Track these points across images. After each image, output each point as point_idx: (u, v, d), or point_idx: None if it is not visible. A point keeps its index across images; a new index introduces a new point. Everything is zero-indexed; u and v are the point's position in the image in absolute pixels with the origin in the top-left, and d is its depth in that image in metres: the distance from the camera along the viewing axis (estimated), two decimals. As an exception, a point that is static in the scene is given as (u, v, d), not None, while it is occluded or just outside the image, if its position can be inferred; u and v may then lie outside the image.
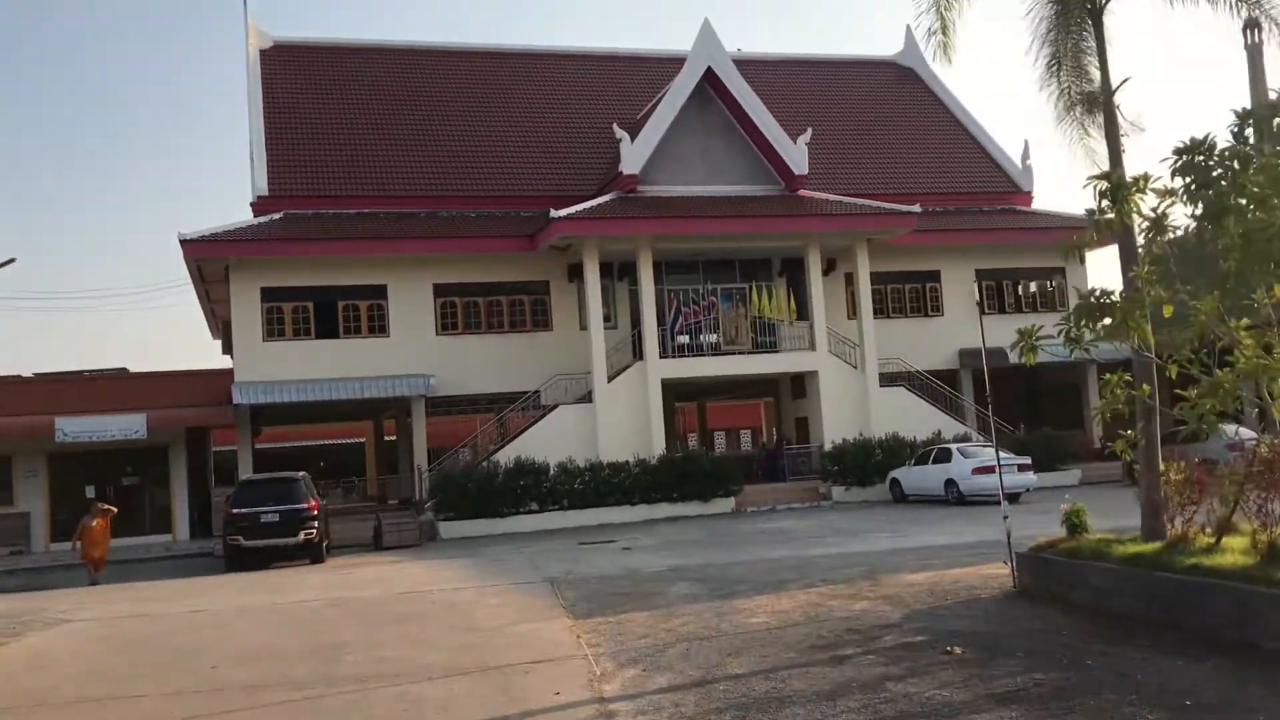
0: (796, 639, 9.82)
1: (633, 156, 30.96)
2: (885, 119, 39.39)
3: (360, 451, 49.41)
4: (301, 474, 22.70)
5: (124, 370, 32.92)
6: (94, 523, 20.73)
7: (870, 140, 38.31)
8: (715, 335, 31.02)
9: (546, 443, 28.56)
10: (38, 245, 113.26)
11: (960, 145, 39.47)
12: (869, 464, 29.31)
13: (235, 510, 21.41)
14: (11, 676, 10.24)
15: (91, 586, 19.82)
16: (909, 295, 35.20)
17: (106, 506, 21.61)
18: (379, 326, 30.53)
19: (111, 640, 12.31)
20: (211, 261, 29.41)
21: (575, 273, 31.43)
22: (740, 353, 31.17)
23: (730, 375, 31.66)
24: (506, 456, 27.68)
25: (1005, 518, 12.42)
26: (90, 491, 28.58)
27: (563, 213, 29.03)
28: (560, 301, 31.85)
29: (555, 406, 29.89)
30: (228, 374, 29.31)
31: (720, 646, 9.68)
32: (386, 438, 41.95)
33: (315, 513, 21.67)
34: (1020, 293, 36.35)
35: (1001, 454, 26.34)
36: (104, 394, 27.81)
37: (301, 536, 21.33)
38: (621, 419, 29.69)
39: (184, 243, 28.37)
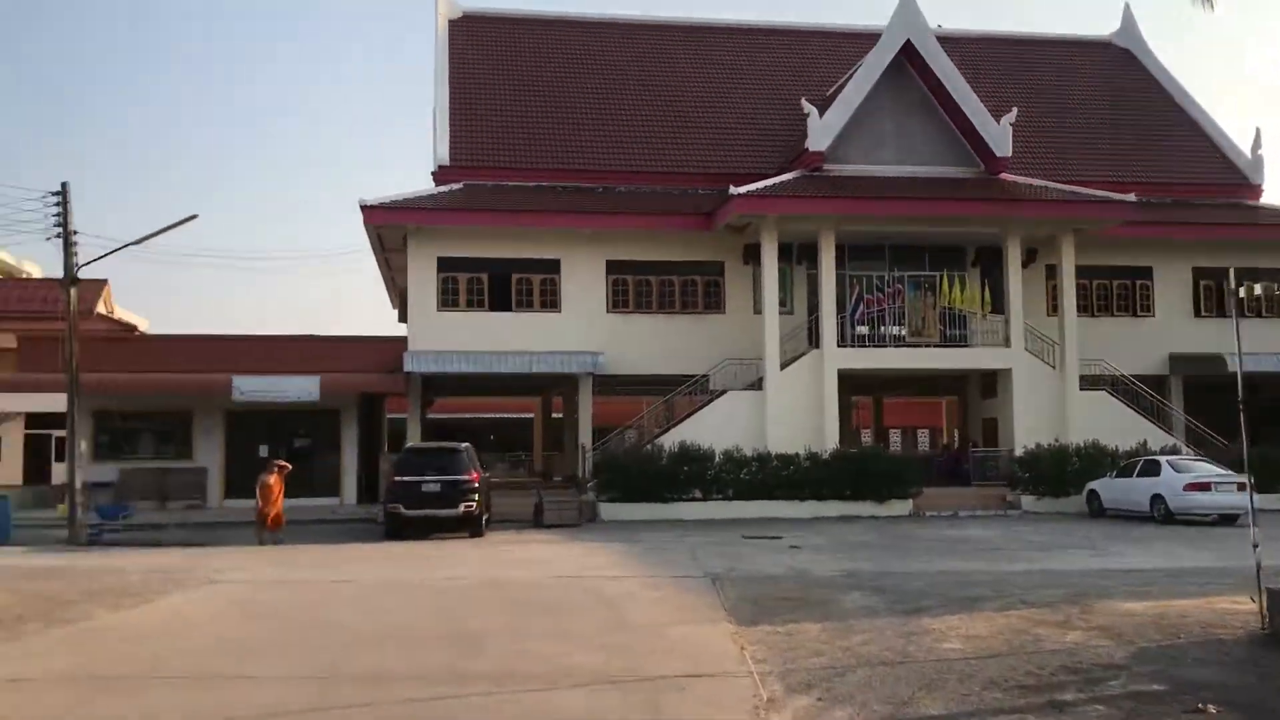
0: (1000, 674, 8.32)
1: (820, 132, 29.38)
2: (1097, 102, 36.42)
3: (529, 427, 49.37)
4: (465, 445, 22.19)
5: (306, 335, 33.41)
6: (270, 479, 20.58)
7: (1080, 125, 35.46)
8: (900, 326, 29.13)
9: (713, 429, 27.40)
10: (224, 207, 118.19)
11: (1181, 132, 36.14)
12: (1064, 473, 26.97)
13: (397, 478, 21.05)
14: (139, 640, 9.76)
15: (261, 546, 19.71)
16: (1116, 293, 32.38)
17: (282, 463, 21.48)
18: (550, 301, 29.93)
19: (250, 608, 11.80)
20: (391, 229, 29.38)
21: (751, 254, 30.07)
22: (926, 346, 29.19)
23: (913, 369, 29.72)
24: (671, 440, 26.65)
25: (1255, 545, 10.49)
26: (264, 451, 29.08)
27: (742, 190, 27.74)
28: (734, 283, 30.57)
29: (724, 392, 28.68)
30: (401, 342, 29.25)
31: (909, 676, 8.27)
32: (554, 414, 41.59)
33: (476, 485, 21.10)
34: (1243, 295, 32.92)
35: (1221, 470, 23.82)
36: (280, 356, 28.13)
37: (461, 509, 20.79)
38: (793, 409, 28.25)
39: (365, 209, 28.39)
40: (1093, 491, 25.91)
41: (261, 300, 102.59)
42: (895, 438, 51.66)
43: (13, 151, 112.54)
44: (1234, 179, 34.94)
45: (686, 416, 28.47)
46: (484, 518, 21.82)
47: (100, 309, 45.02)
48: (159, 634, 10.10)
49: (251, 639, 9.84)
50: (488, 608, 11.67)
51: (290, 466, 21.87)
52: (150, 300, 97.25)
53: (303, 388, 26.89)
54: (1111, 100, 36.54)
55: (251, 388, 26.80)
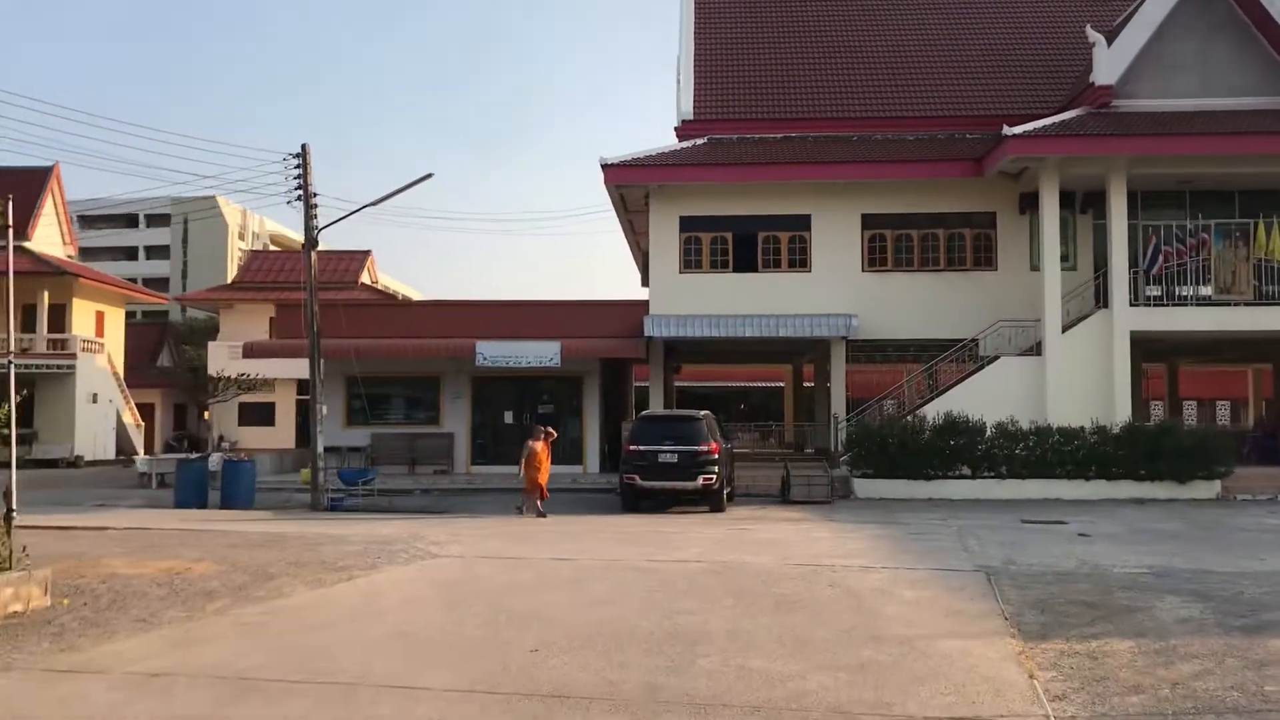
0: None
1: (1108, 64, 25.75)
2: None
3: (779, 396, 47.49)
4: (704, 413, 20.62)
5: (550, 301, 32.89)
6: (537, 445, 19.60)
7: None
8: (1203, 283, 25.19)
9: (983, 399, 24.60)
10: (475, 172, 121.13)
11: None
12: None
13: (633, 447, 19.75)
14: (317, 627, 8.70)
15: (523, 516, 18.90)
16: None
17: (549, 430, 20.43)
18: (799, 260, 27.88)
19: (453, 591, 10.62)
20: (632, 188, 28.18)
21: (1028, 203, 26.88)
22: (1238, 304, 25.13)
23: (1221, 332, 25.66)
24: (935, 411, 24.05)
25: None
26: (509, 417, 28.68)
27: (1018, 130, 24.63)
28: (1008, 236, 27.44)
29: (996, 358, 25.75)
30: (642, 305, 28.05)
31: (1276, 735, 5.93)
32: (805, 383, 39.52)
33: (715, 457, 19.49)
34: None
35: None
36: (521, 320, 27.52)
37: (700, 481, 19.25)
38: (1076, 377, 25.00)
39: (605, 168, 27.31)
40: None
41: (510, 264, 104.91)
42: (1190, 410, 46.25)
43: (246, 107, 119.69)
44: None
45: (953, 385, 25.78)
46: (725, 491, 20.22)
47: (365, 279, 46.60)
48: (342, 620, 9.03)
49: (437, 632, 8.57)
50: (714, 601, 9.98)
51: (555, 434, 20.84)
52: (400, 262, 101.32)
53: (543, 352, 26.13)
54: None
55: (494, 353, 26.30)
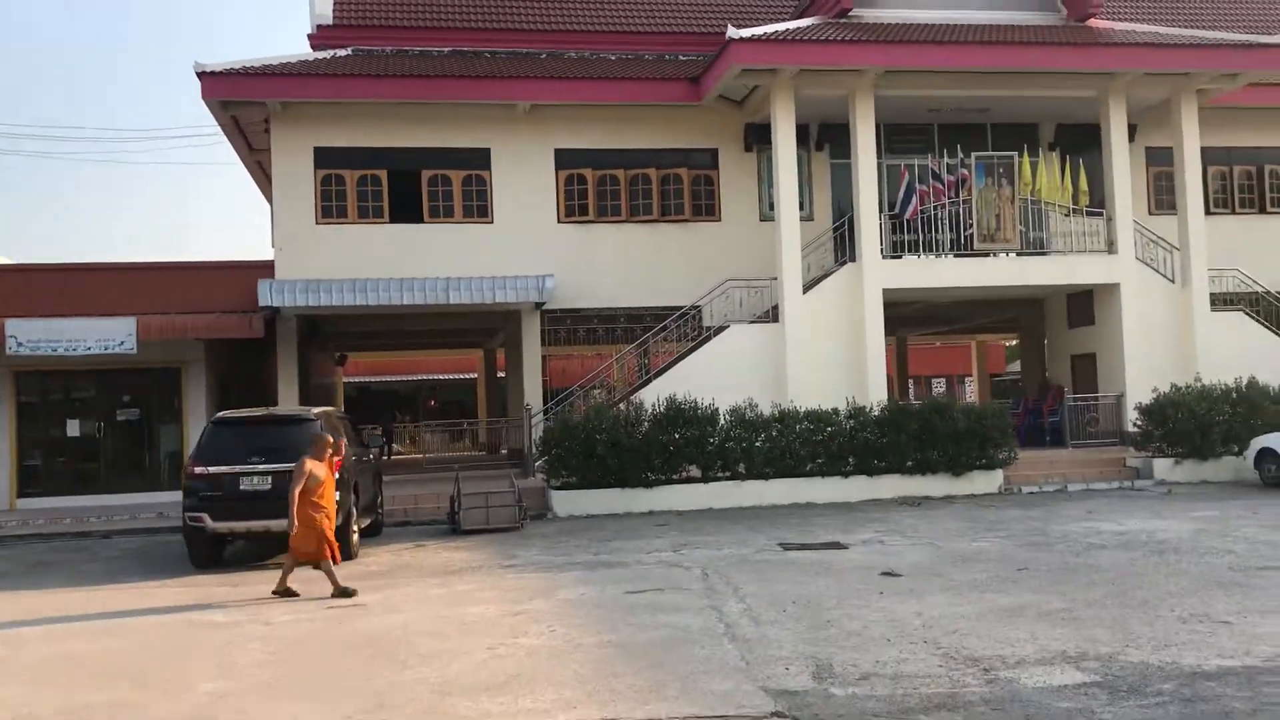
0: None
1: (852, -37, 20.91)
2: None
3: (474, 389, 40.74)
4: (320, 411, 13.66)
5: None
6: (318, 465, 11.04)
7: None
8: (968, 228, 20.81)
9: (712, 378, 19.16)
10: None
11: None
12: (1211, 426, 18.85)
13: (199, 469, 12.55)
14: None
15: (338, 596, 10.53)
16: (1237, 183, 24.20)
17: (333, 442, 11.71)
18: (478, 208, 21.43)
19: None
20: (248, 107, 20.69)
21: (756, 136, 21.74)
22: (1005, 253, 20.93)
23: (988, 287, 21.39)
24: (655, 396, 18.28)
25: None
26: (74, 428, 20.43)
27: (745, 33, 19.27)
28: (733, 179, 22.15)
29: (725, 327, 20.37)
30: (267, 268, 20.69)
31: None
32: (500, 373, 33.01)
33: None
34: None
35: None
36: (81, 291, 19.45)
37: (310, 516, 12.34)
38: (822, 346, 20.09)
39: (205, 76, 19.73)
40: (1268, 451, 17.77)
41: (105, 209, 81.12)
42: (912, 392, 43.48)
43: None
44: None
45: (675, 362, 20.15)
46: (357, 526, 13.43)
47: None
48: None
49: None
50: None
51: (344, 450, 12.62)
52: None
53: (110, 333, 18.22)
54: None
55: (33, 335, 18.10)
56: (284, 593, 10.61)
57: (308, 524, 10.66)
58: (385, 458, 22.61)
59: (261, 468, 12.45)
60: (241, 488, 12.40)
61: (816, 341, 20.03)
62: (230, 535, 12.78)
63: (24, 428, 20.15)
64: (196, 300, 19.78)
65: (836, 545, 12.61)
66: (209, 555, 12.88)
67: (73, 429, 20.35)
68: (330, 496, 11.01)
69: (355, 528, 13.32)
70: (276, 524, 12.05)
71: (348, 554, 12.97)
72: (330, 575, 10.60)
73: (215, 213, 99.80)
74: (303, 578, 10.88)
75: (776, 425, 17.98)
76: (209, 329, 19.17)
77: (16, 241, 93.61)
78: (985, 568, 10.53)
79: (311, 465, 10.85)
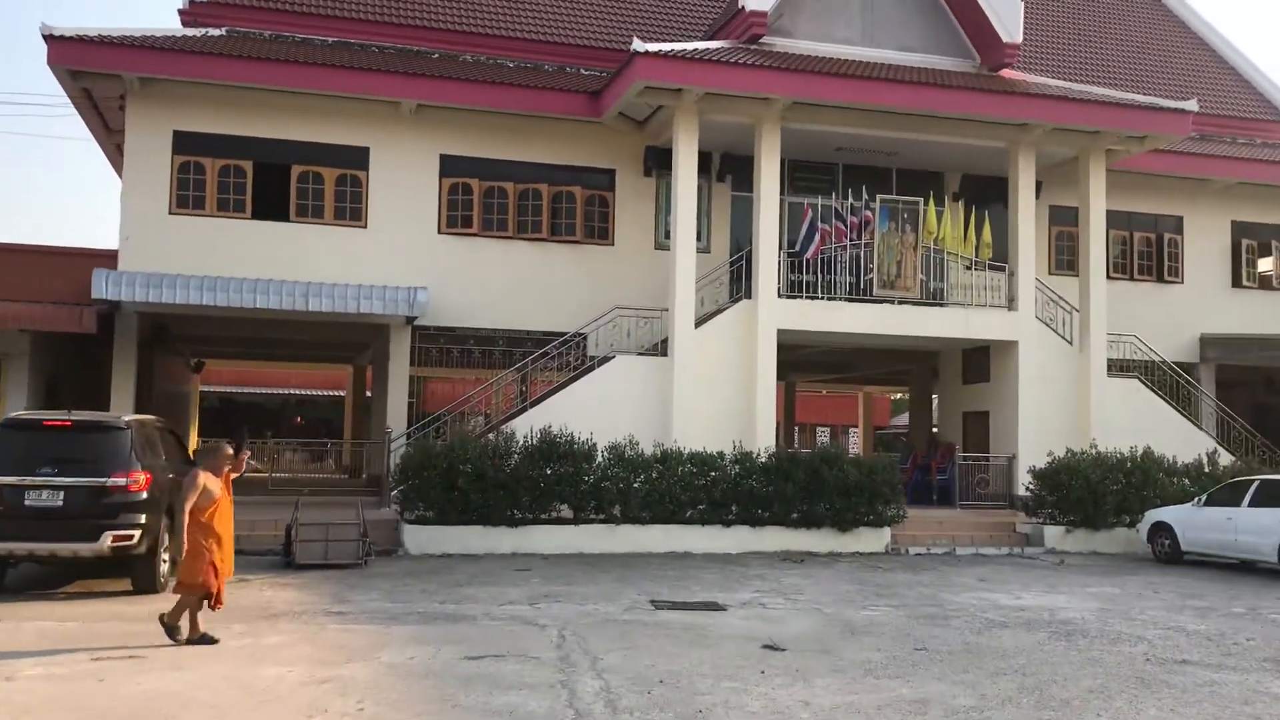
0: None
1: (763, -13, 19.99)
2: (1112, 28, 28.04)
3: (343, 407, 38.53)
4: (132, 419, 11.81)
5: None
6: (211, 478, 9.04)
7: (1091, 51, 26.96)
8: (868, 272, 19.93)
9: (591, 411, 17.83)
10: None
11: (1204, 64, 27.98)
12: (1105, 495, 18.18)
13: (-28, 479, 10.62)
14: None
15: (201, 643, 8.80)
16: (1137, 250, 23.97)
17: (234, 445, 9.70)
18: (351, 211, 19.76)
19: None
20: (102, 79, 18.68)
21: (658, 160, 20.59)
22: (904, 301, 20.10)
23: (886, 336, 20.47)
24: (529, 427, 16.82)
25: None
26: None
27: (652, 47, 18.12)
28: (629, 202, 20.94)
29: (610, 357, 19.05)
30: (109, 258, 18.65)
31: None
32: (368, 391, 31.04)
33: (142, 497, 10.88)
34: (1289, 260, 25.02)
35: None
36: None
37: (108, 541, 10.53)
38: (711, 385, 18.92)
39: (51, 40, 17.72)
40: (1160, 525, 17.12)
41: None
42: (797, 438, 42.80)
43: None
44: (1266, 114, 26.99)
45: (554, 391, 18.72)
46: (162, 555, 11.57)
47: None
48: None
49: None
50: None
51: (249, 453, 10.38)
52: None
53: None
54: (1124, 26, 28.21)
55: None
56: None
57: (196, 551, 8.84)
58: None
59: (54, 481, 10.58)
60: (27, 503, 10.50)
61: (706, 379, 18.85)
62: (10, 558, 10.85)
63: None
64: (22, 288, 17.61)
65: (714, 606, 11.30)
66: (-21, 582, 10.93)
67: None
68: (226, 519, 9.14)
69: (165, 556, 11.48)
70: (67, 546, 10.23)
71: (153, 586, 11.19)
72: (193, 623, 8.83)
73: (65, 195, 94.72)
74: (108, 613, 9.06)
75: (658, 466, 16.67)
76: (32, 320, 17.00)
77: None
78: (879, 644, 9.32)
79: (205, 479, 8.95)
